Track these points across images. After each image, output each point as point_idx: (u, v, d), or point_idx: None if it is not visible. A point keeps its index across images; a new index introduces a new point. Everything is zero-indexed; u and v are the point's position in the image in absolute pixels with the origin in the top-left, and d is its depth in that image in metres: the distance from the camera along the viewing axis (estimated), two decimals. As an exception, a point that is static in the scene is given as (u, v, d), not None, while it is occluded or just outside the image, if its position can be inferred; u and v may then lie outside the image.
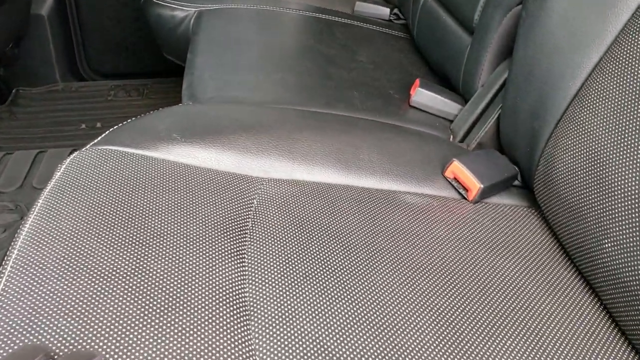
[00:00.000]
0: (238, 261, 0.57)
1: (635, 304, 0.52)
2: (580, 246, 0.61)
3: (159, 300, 0.49)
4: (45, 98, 1.92)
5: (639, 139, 0.55)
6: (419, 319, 0.53)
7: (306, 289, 0.54)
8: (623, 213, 0.55)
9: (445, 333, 0.52)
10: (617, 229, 0.55)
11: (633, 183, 0.54)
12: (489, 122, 0.83)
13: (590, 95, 0.64)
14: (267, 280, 0.55)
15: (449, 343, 0.51)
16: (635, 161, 0.55)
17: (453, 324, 0.53)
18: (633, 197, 0.54)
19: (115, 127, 0.74)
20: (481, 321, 0.54)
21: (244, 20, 1.16)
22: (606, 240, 0.57)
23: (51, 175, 0.65)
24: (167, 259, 0.54)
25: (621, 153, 0.57)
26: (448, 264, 0.61)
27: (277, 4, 1.23)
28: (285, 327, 0.50)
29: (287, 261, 0.57)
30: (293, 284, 0.55)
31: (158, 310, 0.48)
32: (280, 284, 0.54)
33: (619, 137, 0.58)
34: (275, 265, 0.56)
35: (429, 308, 0.54)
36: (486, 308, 0.56)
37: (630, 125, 0.57)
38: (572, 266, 0.64)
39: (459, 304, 0.56)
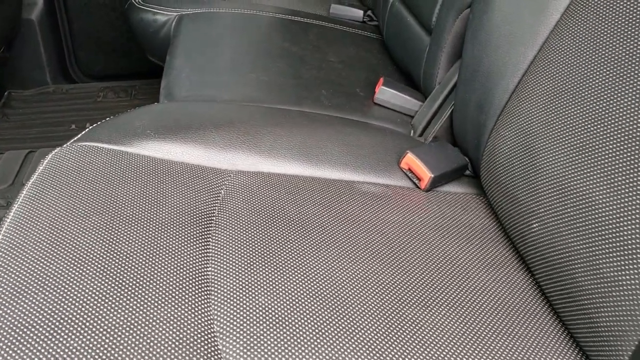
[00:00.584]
0: (203, 244, 0.63)
1: (558, 278, 0.59)
2: (515, 227, 0.68)
3: (127, 277, 0.55)
4: (36, 100, 1.98)
5: (562, 131, 0.62)
6: (365, 292, 0.59)
7: (265, 267, 0.60)
8: (548, 196, 0.61)
9: (388, 304, 0.58)
10: (543, 210, 0.62)
11: (557, 169, 0.61)
12: (443, 117, 0.89)
13: (525, 90, 0.70)
14: (229, 261, 0.61)
15: (391, 312, 0.57)
16: (558, 149, 0.61)
17: (396, 296, 0.59)
18: (556, 182, 0.60)
19: (94, 125, 0.80)
20: (422, 294, 0.60)
21: (222, 23, 1.22)
22: (534, 221, 0.63)
23: (38, 172, 0.71)
24: (136, 242, 0.60)
25: (548, 142, 0.63)
26: (396, 245, 0.67)
27: (254, 8, 1.29)
28: (243, 299, 0.56)
29: (248, 244, 0.63)
30: (253, 264, 0.61)
31: (126, 285, 0.54)
32: (240, 264, 0.61)
33: (547, 128, 0.64)
34: (237, 248, 0.63)
35: (375, 283, 0.61)
36: (427, 283, 0.62)
37: (556, 118, 0.63)
38: (510, 246, 0.71)
39: (403, 279, 0.62)
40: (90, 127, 0.80)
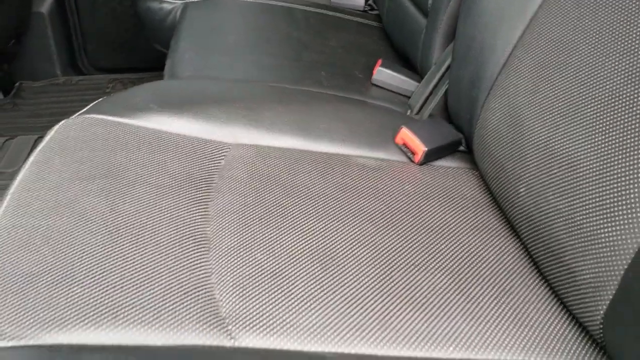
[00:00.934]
0: (203, 206, 0.66)
1: (542, 237, 0.61)
2: (503, 193, 0.70)
3: (128, 232, 0.58)
4: (46, 91, 2.02)
5: (548, 98, 0.64)
6: (357, 252, 0.62)
7: (261, 227, 0.63)
8: (534, 161, 0.63)
9: (379, 264, 0.61)
10: (529, 175, 0.64)
11: (542, 134, 0.63)
12: (438, 95, 0.91)
13: (514, 63, 0.72)
14: (227, 221, 0.64)
15: (382, 271, 0.60)
16: (544, 115, 0.63)
17: (387, 257, 0.62)
18: (542, 146, 0.63)
19: (100, 99, 0.83)
20: (412, 256, 0.63)
21: (226, 10, 1.25)
22: (521, 186, 0.65)
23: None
24: (139, 202, 0.63)
25: (534, 109, 0.65)
26: (389, 211, 0.69)
27: (258, -4, 1.33)
28: (239, 255, 0.59)
29: (246, 207, 0.66)
30: (250, 224, 0.63)
31: (127, 240, 0.57)
32: (238, 224, 0.63)
33: (534, 97, 0.66)
34: (235, 210, 0.65)
35: (368, 244, 0.63)
36: (418, 246, 0.64)
37: (542, 86, 0.65)
38: (499, 214, 0.73)
39: (395, 242, 0.64)
40: (96, 102, 0.83)
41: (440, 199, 0.74)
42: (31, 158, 0.70)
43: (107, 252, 0.55)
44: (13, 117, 1.88)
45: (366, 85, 1.02)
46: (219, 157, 0.75)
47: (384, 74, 1.00)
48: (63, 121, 0.78)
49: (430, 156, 0.81)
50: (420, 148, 0.80)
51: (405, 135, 0.82)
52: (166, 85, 0.87)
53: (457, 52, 0.85)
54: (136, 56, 2.06)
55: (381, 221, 0.67)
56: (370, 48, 1.18)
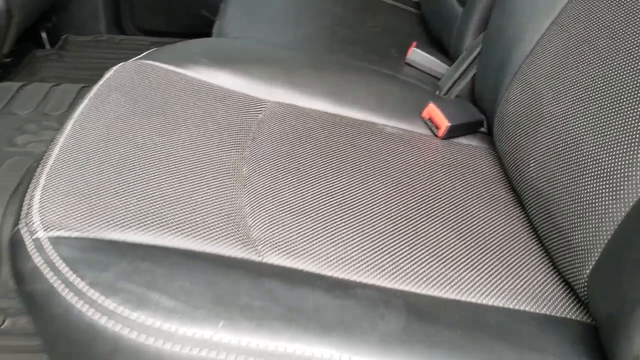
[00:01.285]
0: (240, 151, 0.73)
1: (545, 207, 0.67)
2: (515, 168, 0.76)
3: (176, 164, 0.66)
4: (90, 46, 2.11)
5: (566, 84, 0.70)
6: (377, 203, 0.69)
7: (292, 173, 0.70)
8: (546, 140, 0.69)
9: (395, 215, 0.67)
10: (540, 151, 0.70)
11: (557, 116, 0.69)
12: (466, 79, 0.97)
13: (538, 52, 0.78)
14: (260, 165, 0.71)
15: (397, 221, 0.66)
16: (559, 100, 0.69)
17: (403, 210, 0.68)
18: (555, 126, 0.69)
19: (154, 49, 0.91)
20: (425, 212, 0.69)
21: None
22: (531, 161, 0.71)
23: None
24: (186, 141, 0.70)
25: (551, 95, 0.71)
26: (407, 174, 0.76)
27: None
28: (271, 194, 0.66)
29: (278, 155, 0.73)
30: (281, 169, 0.70)
31: (175, 170, 0.65)
32: (271, 169, 0.70)
33: (553, 82, 0.72)
34: (268, 157, 0.72)
35: (386, 198, 0.70)
36: (432, 205, 0.71)
37: (563, 74, 0.71)
38: (509, 188, 0.79)
39: (410, 199, 0.71)
40: (150, 50, 0.90)
41: (456, 169, 0.80)
42: (91, 93, 0.78)
43: (158, 174, 0.63)
44: (57, 67, 1.98)
45: (399, 64, 1.08)
46: (258, 111, 0.82)
47: (418, 55, 1.06)
48: (121, 64, 0.85)
49: (453, 132, 0.87)
50: (444, 123, 0.86)
51: (432, 110, 0.88)
52: (216, 42, 0.95)
53: (488, 40, 0.91)
54: (178, 21, 2.14)
55: (399, 181, 0.74)
56: (406, 31, 1.24)
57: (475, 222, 0.69)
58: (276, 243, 0.58)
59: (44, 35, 2.04)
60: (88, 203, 0.56)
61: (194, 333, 0.44)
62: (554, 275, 0.63)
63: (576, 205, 0.60)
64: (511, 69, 0.83)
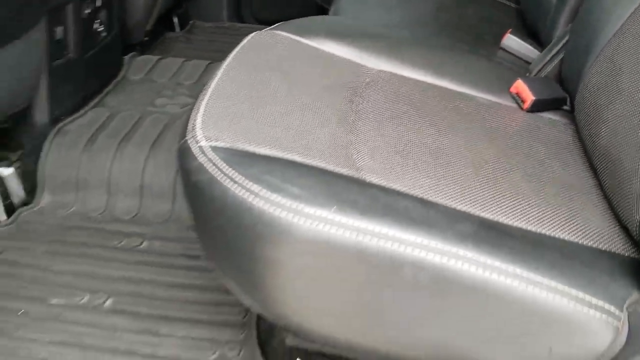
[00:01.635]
0: (349, 104, 0.88)
1: (611, 165, 0.77)
2: (590, 137, 0.86)
3: (301, 110, 0.82)
4: (213, 31, 2.36)
5: (641, 61, 0.80)
6: (463, 152, 0.81)
7: (391, 123, 0.84)
8: (620, 108, 0.79)
9: (477, 162, 0.80)
10: (613, 118, 0.80)
11: (631, 88, 0.79)
12: (554, 62, 1.07)
13: (620, 34, 0.88)
14: (365, 116, 0.85)
15: (479, 165, 0.79)
16: (637, 73, 0.79)
17: (484, 160, 0.81)
18: (630, 96, 0.78)
19: (283, 22, 1.08)
20: (505, 163, 0.81)
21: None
22: (603, 127, 0.82)
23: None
24: (307, 93, 0.87)
25: (629, 69, 0.81)
26: (492, 134, 0.88)
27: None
28: (373, 136, 0.80)
29: (380, 109, 0.88)
30: (382, 120, 0.85)
31: (297, 113, 0.81)
32: (374, 119, 0.85)
33: (631, 58, 0.82)
34: (372, 110, 0.87)
35: (471, 150, 0.82)
36: (511, 159, 0.83)
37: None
38: (585, 157, 0.89)
39: (492, 153, 0.83)
40: (280, 23, 1.08)
41: (536, 135, 0.91)
42: (233, 52, 0.96)
43: (288, 112, 0.79)
44: (185, 47, 2.24)
45: (495, 49, 1.19)
46: (365, 75, 0.97)
47: (512, 41, 1.17)
48: (255, 32, 1.03)
49: (537, 106, 0.98)
50: (529, 96, 0.97)
51: (520, 85, 0.99)
52: (333, 19, 1.11)
53: (577, 24, 1.01)
54: (294, 11, 2.34)
55: (484, 139, 0.86)
56: (504, 21, 1.35)
57: (547, 173, 0.80)
58: (374, 169, 0.73)
59: (175, 19, 2.31)
60: (236, 124, 0.73)
61: (314, 211, 0.60)
62: (613, 220, 0.74)
63: (637, 159, 0.70)
64: (596, 49, 0.93)
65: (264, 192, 0.62)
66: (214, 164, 0.66)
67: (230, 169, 0.65)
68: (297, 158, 0.70)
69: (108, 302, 1.09)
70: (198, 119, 0.74)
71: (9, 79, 1.24)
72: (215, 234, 0.69)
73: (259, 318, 1.05)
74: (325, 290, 0.64)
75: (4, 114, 1.28)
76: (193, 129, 0.73)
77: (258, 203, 0.61)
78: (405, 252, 0.60)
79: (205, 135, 0.71)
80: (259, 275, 0.64)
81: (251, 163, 0.66)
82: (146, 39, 2.06)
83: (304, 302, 0.65)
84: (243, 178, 0.64)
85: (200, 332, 1.04)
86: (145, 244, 1.24)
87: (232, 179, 0.64)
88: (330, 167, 0.70)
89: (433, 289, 0.62)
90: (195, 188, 0.68)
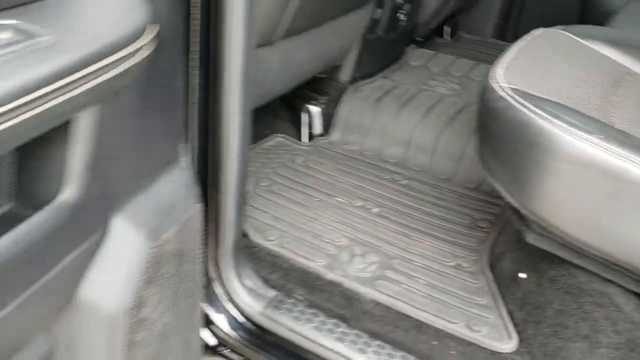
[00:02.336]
0: (615, 86, 1.11)
1: None
2: None
3: (582, 83, 1.08)
4: (476, 43, 2.67)
5: None
6: None
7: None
8: None
9: None
10: None
11: None
12: None
13: None
14: (628, 98, 1.08)
15: None
16: None
17: None
18: None
19: (565, 26, 1.34)
20: None
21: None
22: None
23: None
24: (585, 72, 1.12)
25: None
26: None
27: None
28: (633, 112, 1.03)
29: None
30: None
31: (578, 87, 1.07)
32: (635, 102, 1.07)
33: None
34: (636, 96, 1.09)
35: None
36: None
37: None
38: None
39: None
40: (567, 26, 1.33)
41: None
42: (522, 41, 1.25)
43: (562, 76, 1.06)
44: (450, 52, 2.59)
45: None
46: (633, 76, 1.19)
47: None
48: (540, 28, 1.31)
49: None
50: None
51: None
52: (610, 30, 1.34)
53: None
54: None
55: None
56: None
57: None
58: (625, 127, 0.96)
59: (447, 28, 2.67)
60: (526, 78, 1.02)
61: (586, 135, 0.87)
62: None
63: None
64: None
65: (546, 115, 0.90)
66: (510, 96, 0.96)
67: (522, 99, 0.95)
68: (570, 104, 0.96)
69: (375, 209, 1.46)
70: (499, 69, 1.05)
71: (340, 42, 1.68)
72: (499, 147, 0.99)
73: (492, 246, 1.33)
74: (580, 196, 0.90)
75: (329, 66, 1.74)
76: (494, 75, 1.04)
77: (542, 122, 0.90)
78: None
79: (506, 80, 1.01)
80: (529, 177, 0.93)
81: (536, 100, 0.95)
82: (420, 39, 2.44)
83: (559, 202, 0.92)
84: (531, 106, 0.93)
85: (443, 245, 1.36)
86: (405, 181, 1.59)
87: (523, 105, 0.94)
88: (594, 114, 0.96)
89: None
90: (493, 111, 0.99)
